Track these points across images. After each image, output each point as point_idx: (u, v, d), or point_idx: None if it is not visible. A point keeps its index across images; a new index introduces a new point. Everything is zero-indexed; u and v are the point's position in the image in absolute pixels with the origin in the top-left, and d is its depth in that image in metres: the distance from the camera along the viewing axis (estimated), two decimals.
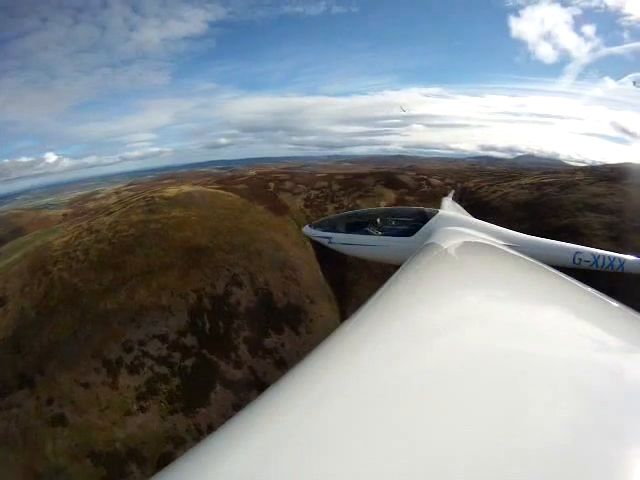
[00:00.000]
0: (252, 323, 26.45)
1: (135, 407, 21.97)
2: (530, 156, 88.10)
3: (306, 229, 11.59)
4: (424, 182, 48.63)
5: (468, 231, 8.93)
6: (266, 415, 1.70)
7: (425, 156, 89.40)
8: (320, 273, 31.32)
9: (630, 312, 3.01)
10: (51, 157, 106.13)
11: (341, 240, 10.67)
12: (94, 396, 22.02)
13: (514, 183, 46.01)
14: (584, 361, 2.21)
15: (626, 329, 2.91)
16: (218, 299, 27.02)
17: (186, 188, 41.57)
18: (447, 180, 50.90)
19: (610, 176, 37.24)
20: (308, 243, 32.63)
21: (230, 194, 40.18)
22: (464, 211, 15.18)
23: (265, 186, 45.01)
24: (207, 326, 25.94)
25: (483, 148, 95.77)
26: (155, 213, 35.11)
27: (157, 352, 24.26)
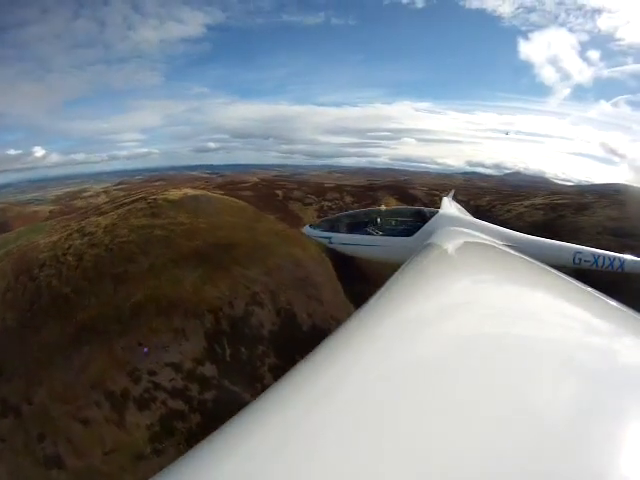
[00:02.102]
0: (277, 349, 23.09)
1: (148, 450, 18.33)
2: (517, 173, 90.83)
3: (306, 229, 11.91)
4: (437, 197, 46.82)
5: (468, 231, 9.14)
6: (266, 415, 1.67)
7: (414, 170, 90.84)
8: (341, 290, 28.92)
9: (630, 312, 3.04)
10: (39, 151, 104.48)
11: (341, 240, 10.84)
12: (96, 435, 18.31)
13: (527, 203, 46.06)
14: (584, 361, 2.20)
15: (626, 329, 2.95)
16: (238, 321, 23.74)
17: (190, 191, 38.08)
18: (459, 197, 48.93)
19: (622, 199, 37.45)
20: (327, 258, 30.57)
21: (237, 201, 36.96)
22: (464, 211, 15.56)
23: (272, 194, 42.16)
24: (227, 352, 22.54)
25: (470, 164, 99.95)
26: (159, 217, 31.56)
27: (171, 384, 20.67)
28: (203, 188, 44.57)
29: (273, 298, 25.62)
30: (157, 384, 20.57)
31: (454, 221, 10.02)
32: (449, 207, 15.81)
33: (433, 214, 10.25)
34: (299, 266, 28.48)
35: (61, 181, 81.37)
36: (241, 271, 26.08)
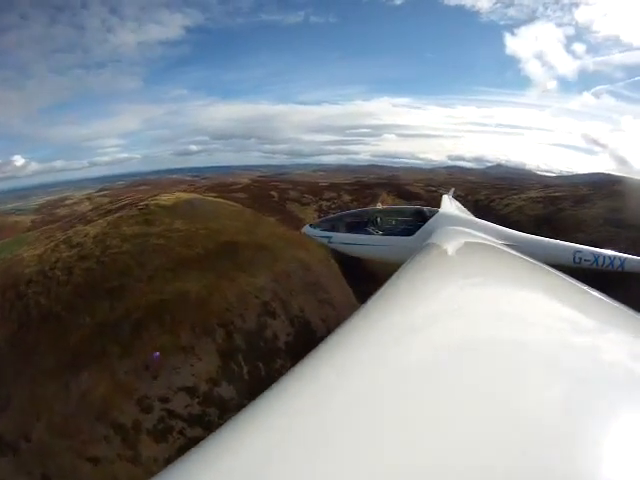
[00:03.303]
0: (295, 360, 21.21)
1: None
2: (499, 166, 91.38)
3: (306, 229, 11.63)
4: (435, 193, 45.87)
5: (468, 230, 9.03)
6: (267, 415, 1.68)
7: (397, 165, 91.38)
8: (350, 291, 27.80)
9: (629, 312, 3.04)
10: (19, 160, 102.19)
11: (341, 240, 10.72)
12: (110, 475, 16.29)
13: (524, 196, 46.32)
14: (584, 360, 2.19)
15: (626, 328, 2.96)
16: (252, 334, 21.84)
17: (183, 195, 36.09)
18: (458, 192, 48.22)
19: (619, 191, 37.95)
20: (332, 260, 29.47)
21: (233, 204, 35.11)
22: (464, 210, 15.25)
23: (268, 195, 40.44)
24: (244, 370, 20.62)
25: (451, 158, 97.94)
26: (153, 225, 29.52)
27: (187, 410, 18.60)
28: (193, 191, 42.65)
29: (285, 306, 23.96)
30: (171, 412, 18.48)
31: (454, 220, 9.94)
32: (449, 206, 15.54)
33: (433, 213, 10.14)
34: (307, 270, 26.83)
35: (42, 189, 79.76)
36: (248, 279, 24.18)
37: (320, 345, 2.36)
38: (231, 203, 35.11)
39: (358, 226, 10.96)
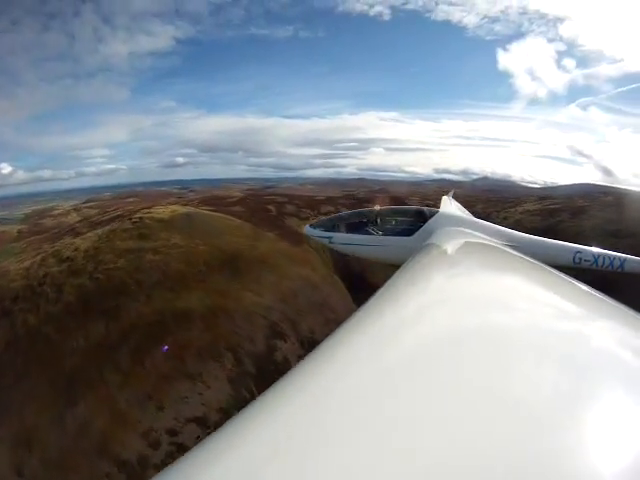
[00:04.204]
0: None
1: None
2: (485, 178, 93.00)
3: (307, 229, 11.36)
4: (433, 206, 45.20)
5: (468, 231, 9.01)
6: (266, 415, 1.65)
7: (384, 179, 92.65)
8: (355, 308, 26.27)
9: (629, 311, 2.98)
10: (6, 168, 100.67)
11: (341, 240, 10.66)
12: None
13: (520, 209, 46.68)
14: (584, 360, 2.19)
15: (625, 328, 2.93)
16: (262, 358, 20.53)
17: (179, 208, 34.73)
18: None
19: (613, 202, 38.30)
20: (336, 277, 29.39)
21: (232, 218, 33.93)
22: (464, 210, 14.80)
23: (264, 209, 39.27)
24: (257, 397, 19.11)
25: (437, 171, 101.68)
26: (149, 239, 28.16)
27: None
28: (186, 204, 41.24)
29: (294, 327, 22.79)
30: (181, 445, 16.85)
31: (454, 221, 9.85)
32: (449, 206, 14.99)
33: (433, 214, 9.78)
34: (314, 289, 25.71)
35: (28, 199, 79.06)
36: (254, 299, 22.95)
37: (320, 345, 2.27)
38: (229, 217, 33.94)
39: (358, 226, 10.67)
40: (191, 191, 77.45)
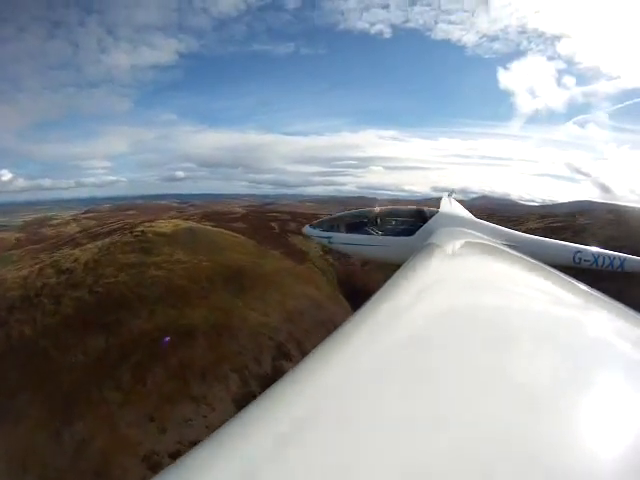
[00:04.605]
0: None
1: None
2: (484, 197, 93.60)
3: (306, 229, 11.15)
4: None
5: (468, 231, 8.98)
6: (267, 415, 1.60)
7: (383, 197, 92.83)
8: None
9: (629, 312, 2.97)
10: (6, 175, 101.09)
11: (341, 240, 10.47)
12: None
13: (523, 228, 46.74)
14: (584, 360, 2.20)
15: (625, 328, 2.93)
16: (268, 379, 19.70)
17: (182, 223, 34.26)
18: None
19: (614, 220, 38.17)
20: (341, 296, 28.66)
21: (235, 235, 33.47)
22: (464, 210, 14.21)
23: (268, 227, 38.80)
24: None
25: (436, 190, 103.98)
26: (151, 254, 27.62)
27: None
28: (187, 219, 40.73)
29: (300, 347, 21.99)
30: None
31: (454, 220, 9.85)
32: (449, 206, 14.48)
33: (433, 214, 9.73)
34: (319, 308, 25.12)
35: (27, 206, 79.03)
36: (260, 318, 22.36)
37: (320, 345, 2.15)
38: (232, 234, 33.50)
39: (359, 226, 10.50)
40: (191, 205, 77.49)
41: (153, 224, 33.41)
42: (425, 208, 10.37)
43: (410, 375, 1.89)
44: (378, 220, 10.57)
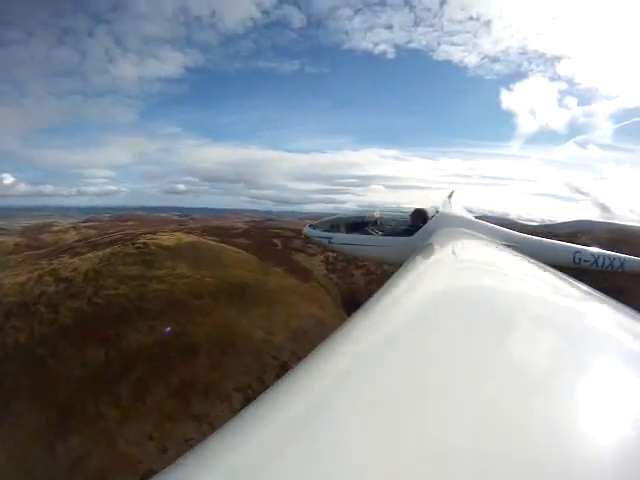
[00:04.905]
0: None
1: None
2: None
3: (306, 229, 11.17)
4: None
5: (468, 231, 8.99)
6: (266, 415, 1.59)
7: None
8: None
9: (629, 311, 2.98)
10: (8, 178, 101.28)
11: (341, 240, 10.57)
12: None
13: None
14: (584, 360, 2.19)
15: (625, 328, 2.92)
16: None
17: (185, 237, 33.87)
18: None
19: (612, 239, 37.89)
20: (345, 315, 27.17)
21: (239, 250, 33.02)
22: (464, 210, 14.61)
23: (271, 243, 38.39)
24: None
25: (437, 210, 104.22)
26: (153, 267, 27.17)
27: None
28: (189, 232, 40.24)
29: None
30: None
31: (454, 221, 9.87)
32: (449, 207, 15.02)
33: (433, 214, 9.83)
34: (323, 327, 24.46)
35: (28, 212, 79.21)
36: (264, 337, 21.85)
37: (321, 345, 2.13)
38: (235, 249, 33.07)
39: (359, 227, 10.64)
40: (191, 219, 77.57)
41: (155, 236, 33.04)
42: (425, 208, 10.41)
43: (410, 375, 1.88)
44: (378, 220, 10.63)
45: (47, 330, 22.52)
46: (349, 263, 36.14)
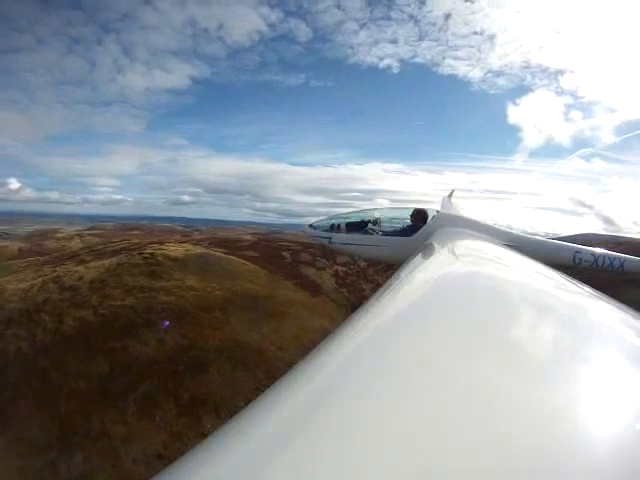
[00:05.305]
0: None
1: None
2: None
3: (306, 229, 11.33)
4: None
5: (468, 231, 8.96)
6: (267, 414, 1.56)
7: None
8: None
9: (629, 312, 2.99)
10: (14, 184, 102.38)
11: (341, 240, 10.65)
12: None
13: None
14: (584, 360, 2.19)
15: (625, 329, 2.94)
16: None
17: (192, 248, 33.24)
18: None
19: (623, 252, 39.40)
20: None
21: (247, 263, 32.41)
22: (464, 210, 14.25)
23: (279, 256, 37.76)
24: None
25: None
26: (161, 278, 26.53)
27: None
28: (196, 243, 39.64)
29: None
30: None
31: (454, 221, 9.91)
32: (449, 207, 14.70)
33: (433, 214, 9.98)
34: None
35: (32, 217, 79.52)
36: (276, 352, 21.11)
37: (321, 345, 2.11)
38: (245, 263, 32.43)
39: (359, 226, 10.79)
40: (196, 230, 77.47)
41: (162, 247, 32.43)
42: (425, 208, 10.49)
43: (409, 375, 1.85)
44: (378, 220, 10.75)
45: (50, 340, 21.87)
46: (359, 277, 35.63)
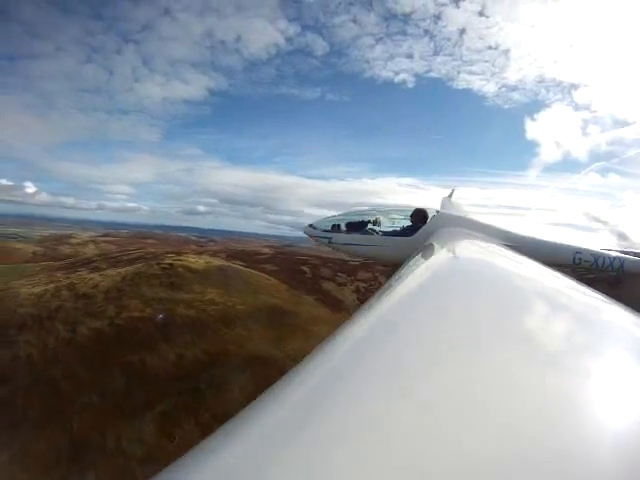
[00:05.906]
0: None
1: None
2: None
3: (306, 229, 11.21)
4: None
5: (468, 231, 8.87)
6: (268, 414, 1.53)
7: None
8: None
9: (629, 312, 3.00)
10: (30, 187, 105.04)
11: (342, 240, 10.50)
12: None
13: None
14: (584, 360, 2.19)
15: (625, 329, 2.92)
16: None
17: (213, 261, 32.45)
18: None
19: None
20: None
21: (268, 277, 31.62)
22: (464, 210, 14.03)
23: (299, 270, 36.79)
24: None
25: None
26: (181, 290, 25.67)
27: None
28: (213, 255, 38.88)
29: None
30: None
31: (454, 221, 9.81)
32: (449, 207, 14.53)
33: (433, 214, 10.01)
34: None
35: (47, 222, 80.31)
36: None
37: (321, 345, 2.10)
38: (266, 277, 31.61)
39: (359, 227, 10.70)
40: (210, 240, 77.46)
41: (181, 257, 31.65)
42: (425, 208, 10.49)
43: (409, 375, 1.83)
44: (378, 220, 10.74)
45: (63, 350, 20.93)
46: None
